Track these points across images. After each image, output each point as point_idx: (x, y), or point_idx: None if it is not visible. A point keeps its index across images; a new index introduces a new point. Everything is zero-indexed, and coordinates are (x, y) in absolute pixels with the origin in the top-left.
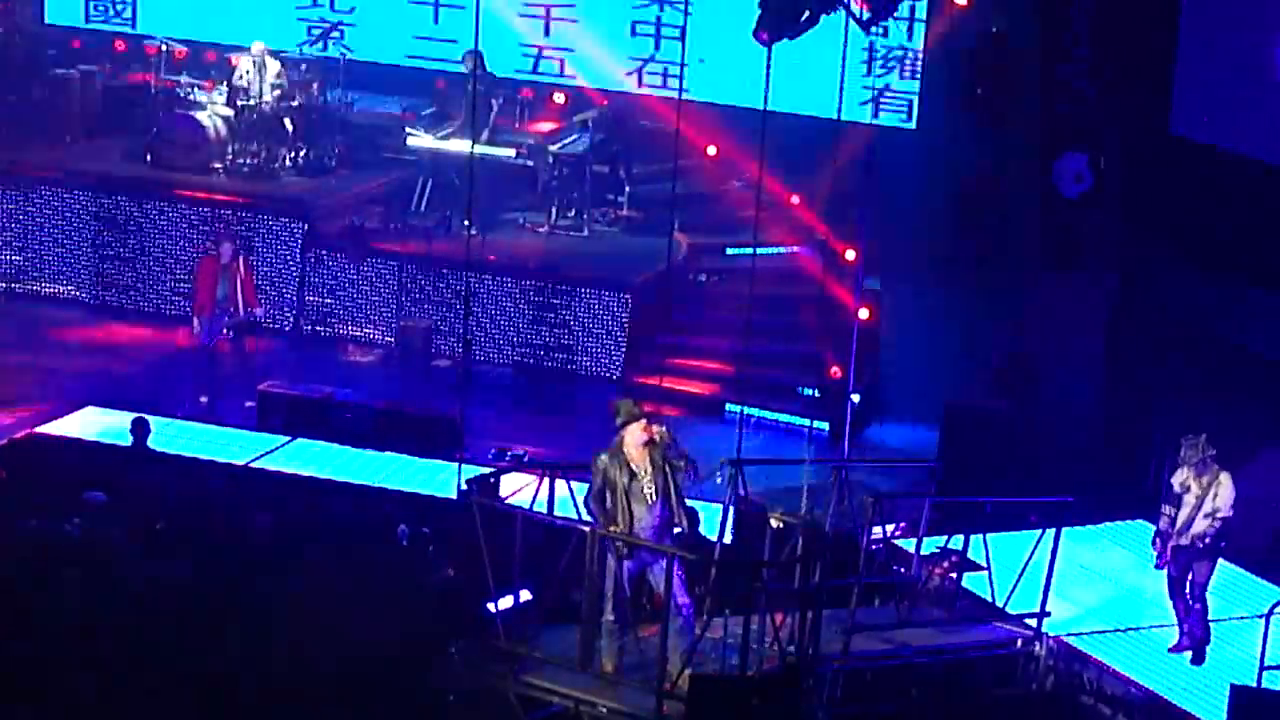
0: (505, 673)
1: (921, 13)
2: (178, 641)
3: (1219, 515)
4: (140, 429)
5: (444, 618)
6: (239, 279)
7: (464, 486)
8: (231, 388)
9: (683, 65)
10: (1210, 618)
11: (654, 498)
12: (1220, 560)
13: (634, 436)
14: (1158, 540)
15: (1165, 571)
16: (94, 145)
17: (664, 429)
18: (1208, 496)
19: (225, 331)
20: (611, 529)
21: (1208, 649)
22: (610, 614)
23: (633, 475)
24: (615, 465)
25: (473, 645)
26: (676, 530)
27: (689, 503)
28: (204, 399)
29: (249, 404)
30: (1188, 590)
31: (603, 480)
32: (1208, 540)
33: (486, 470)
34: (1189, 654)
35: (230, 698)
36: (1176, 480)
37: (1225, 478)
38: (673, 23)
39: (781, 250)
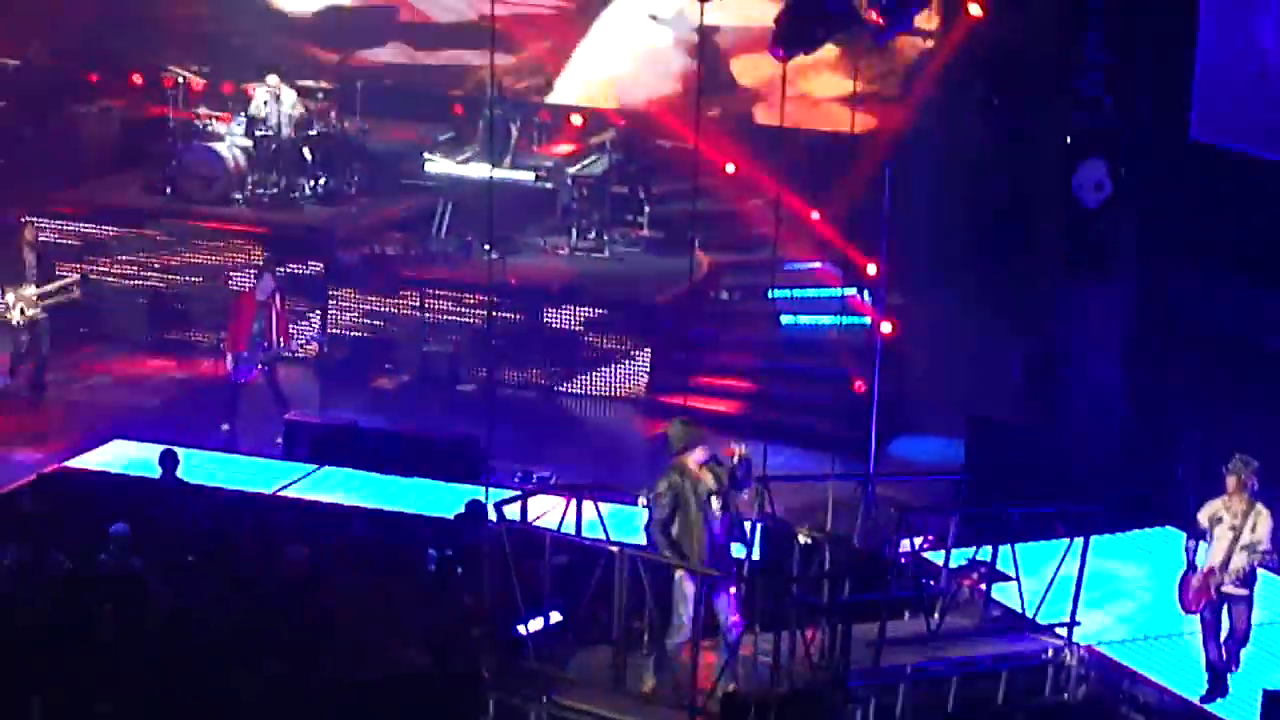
0: (536, 695)
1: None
2: (209, 672)
3: (1260, 549)
4: (169, 461)
5: (475, 641)
6: (274, 314)
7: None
8: (259, 419)
9: (700, 84)
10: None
11: (720, 514)
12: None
13: (695, 458)
14: (1189, 585)
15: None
16: (114, 179)
17: (745, 451)
18: (1245, 528)
19: (261, 367)
20: (674, 547)
21: (1229, 677)
22: (681, 636)
23: (705, 496)
24: (685, 487)
25: (504, 667)
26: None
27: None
28: (225, 426)
29: (279, 440)
30: (1224, 638)
31: (673, 504)
32: (1247, 575)
33: (513, 494)
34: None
35: None
36: (1205, 515)
37: (1263, 508)
38: None
39: (804, 266)
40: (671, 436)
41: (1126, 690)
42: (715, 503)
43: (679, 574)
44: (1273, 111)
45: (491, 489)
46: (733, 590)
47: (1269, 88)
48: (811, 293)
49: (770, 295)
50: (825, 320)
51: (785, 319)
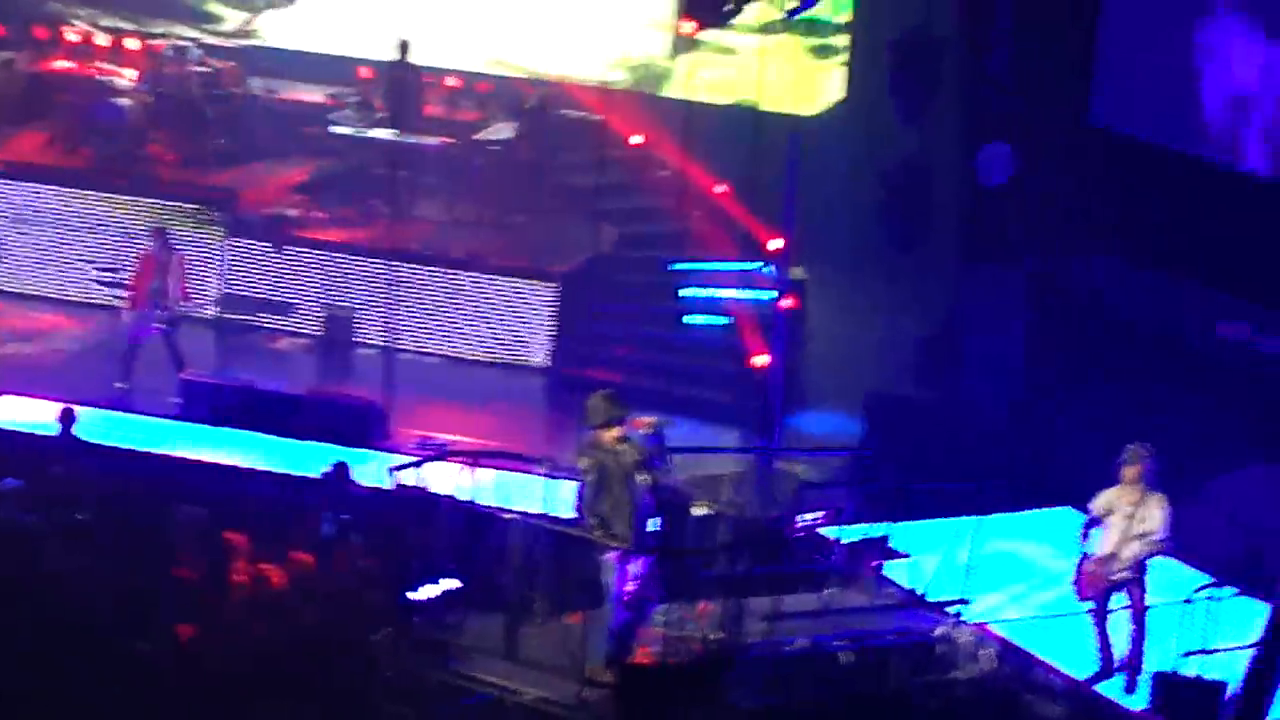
0: (431, 661)
1: (847, 5)
2: (100, 632)
3: (1153, 538)
4: (66, 418)
5: (369, 606)
6: (172, 273)
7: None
8: (156, 378)
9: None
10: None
11: (645, 488)
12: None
13: (613, 433)
14: (1084, 572)
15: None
16: (15, 133)
17: (656, 421)
18: (1137, 518)
19: (158, 326)
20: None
21: (1139, 676)
22: (613, 613)
23: (631, 466)
24: (608, 458)
25: (398, 633)
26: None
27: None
28: (120, 384)
29: (175, 400)
30: (1122, 617)
31: (598, 476)
32: (1139, 564)
33: (411, 459)
34: (1117, 679)
35: (154, 686)
36: (1099, 504)
37: (1157, 498)
38: None
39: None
40: (591, 410)
41: (1018, 669)
42: (640, 476)
43: (605, 551)
44: (1168, 98)
45: (390, 454)
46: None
47: (1166, 74)
48: (713, 266)
49: (671, 268)
50: (727, 294)
51: (686, 292)
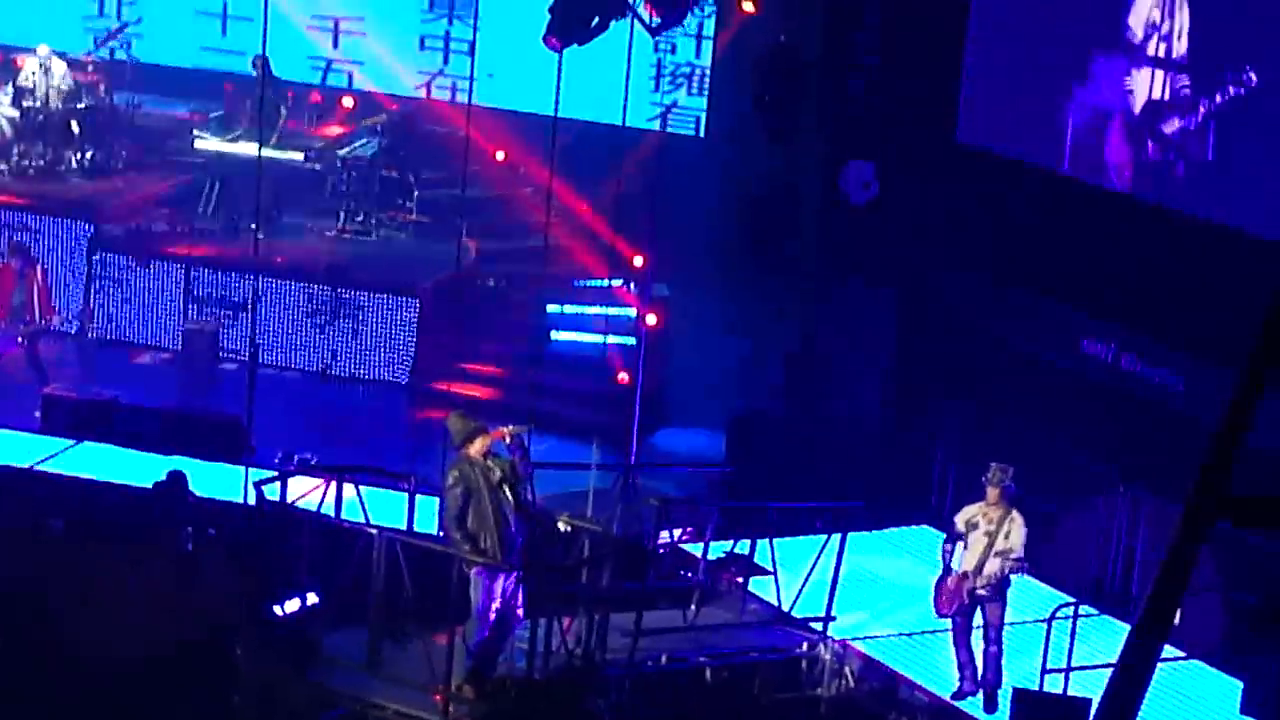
0: (292, 673)
1: (710, 29)
2: None
3: (1012, 555)
4: None
5: (230, 620)
6: (35, 287)
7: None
8: (19, 392)
9: (472, 75)
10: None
11: (512, 504)
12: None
13: (479, 447)
14: (943, 589)
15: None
16: None
17: (521, 429)
18: (999, 535)
19: (20, 341)
20: (470, 539)
21: (999, 693)
22: (477, 629)
23: (497, 482)
24: (474, 475)
25: (260, 647)
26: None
27: None
28: None
29: (38, 414)
30: (982, 633)
31: (463, 492)
32: (999, 581)
33: (273, 474)
34: (978, 697)
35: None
36: (962, 519)
37: (1017, 515)
38: (462, 37)
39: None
40: (451, 430)
41: (880, 686)
42: (508, 492)
43: (471, 567)
44: (1032, 115)
45: (252, 469)
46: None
47: (1031, 92)
48: (579, 282)
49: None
50: (591, 310)
51: (551, 308)
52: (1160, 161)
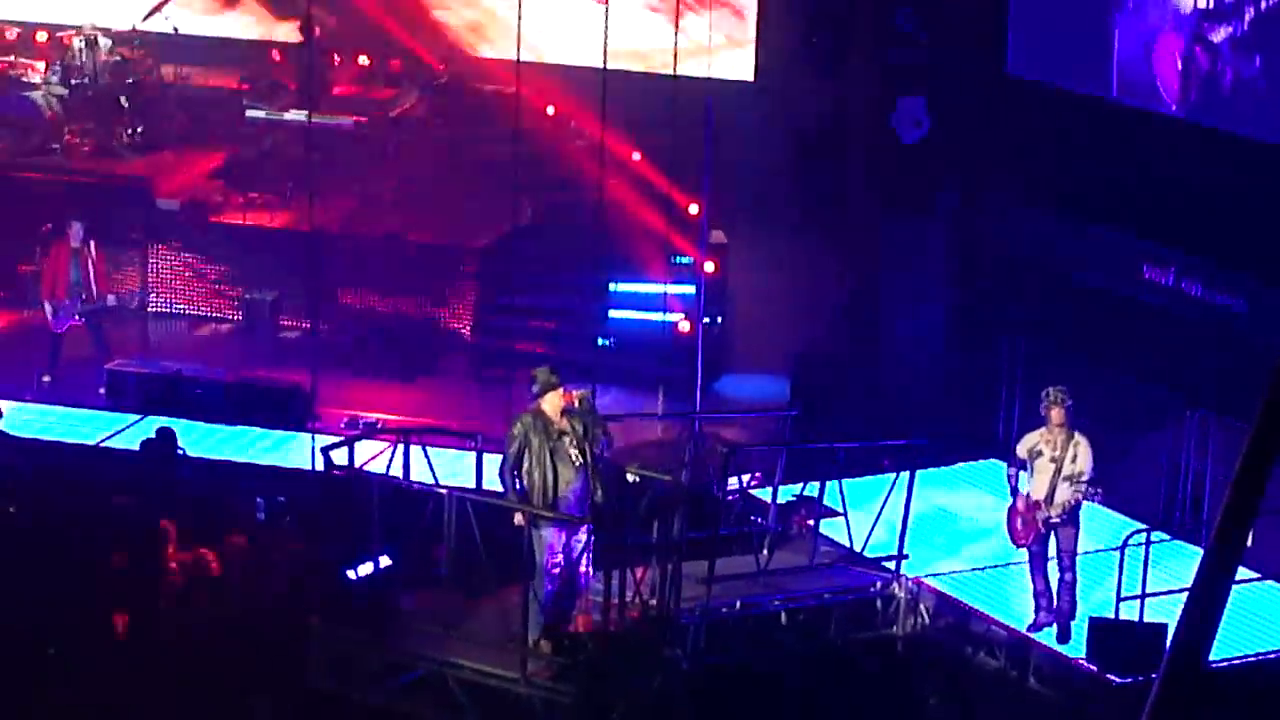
0: (368, 639)
1: None
2: (31, 628)
3: (1082, 479)
4: None
5: (304, 587)
6: (90, 263)
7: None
8: (83, 369)
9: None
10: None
11: (579, 460)
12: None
13: (553, 404)
14: (1017, 518)
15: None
16: None
17: (586, 393)
18: (1065, 460)
19: (78, 317)
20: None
21: (1073, 624)
22: (543, 584)
23: (558, 437)
24: (537, 428)
25: (334, 613)
26: (596, 498)
27: None
28: (46, 378)
29: (102, 390)
30: (1056, 561)
31: (521, 444)
32: (1073, 508)
33: (340, 439)
34: (1053, 628)
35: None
36: (1024, 448)
37: (1082, 439)
38: None
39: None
40: (535, 380)
41: (956, 621)
42: (574, 450)
43: (542, 524)
44: (1082, 44)
45: (318, 435)
46: (585, 538)
47: (1079, 20)
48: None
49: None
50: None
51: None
52: (1209, 73)
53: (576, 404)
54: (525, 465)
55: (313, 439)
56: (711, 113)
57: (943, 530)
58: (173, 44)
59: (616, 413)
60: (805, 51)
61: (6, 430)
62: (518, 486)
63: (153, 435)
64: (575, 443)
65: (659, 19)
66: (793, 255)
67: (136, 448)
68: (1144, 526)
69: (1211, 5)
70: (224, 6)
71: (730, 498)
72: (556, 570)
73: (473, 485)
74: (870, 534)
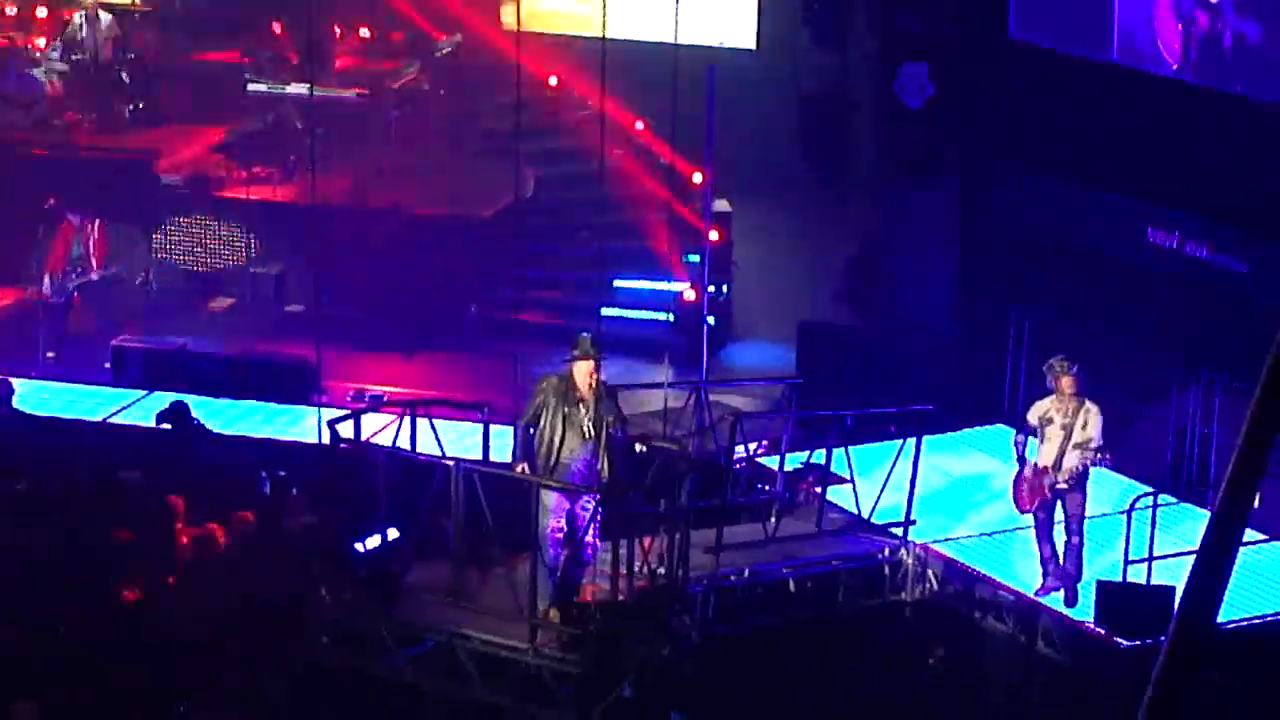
0: (377, 611)
1: None
2: (39, 603)
3: (1091, 445)
4: (4, 391)
5: (312, 560)
6: (91, 240)
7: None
8: (86, 344)
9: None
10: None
11: (590, 434)
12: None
13: (581, 371)
14: (1022, 485)
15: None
16: None
17: (601, 379)
18: (1075, 426)
19: (73, 291)
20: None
21: (1079, 587)
22: (547, 549)
23: (575, 403)
24: (559, 391)
25: (341, 585)
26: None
27: None
28: (51, 354)
29: (107, 365)
30: (1063, 526)
31: (542, 401)
32: (1080, 474)
33: (346, 412)
34: (1060, 593)
35: (103, 652)
36: (1034, 414)
37: (1093, 406)
38: None
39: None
40: (575, 345)
41: (964, 587)
42: (588, 422)
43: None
44: (1084, 8)
45: (324, 408)
46: (589, 507)
47: None
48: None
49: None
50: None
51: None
52: (1209, 33)
53: (592, 381)
54: (541, 423)
55: (319, 413)
56: (714, 81)
57: (950, 496)
58: (173, 18)
59: (623, 382)
60: (807, 18)
61: (19, 409)
62: (527, 443)
63: (166, 408)
64: (590, 416)
65: None
66: (798, 223)
67: (151, 423)
68: (1151, 490)
69: None
70: None
71: (738, 466)
72: (559, 535)
73: (479, 456)
74: (877, 501)
